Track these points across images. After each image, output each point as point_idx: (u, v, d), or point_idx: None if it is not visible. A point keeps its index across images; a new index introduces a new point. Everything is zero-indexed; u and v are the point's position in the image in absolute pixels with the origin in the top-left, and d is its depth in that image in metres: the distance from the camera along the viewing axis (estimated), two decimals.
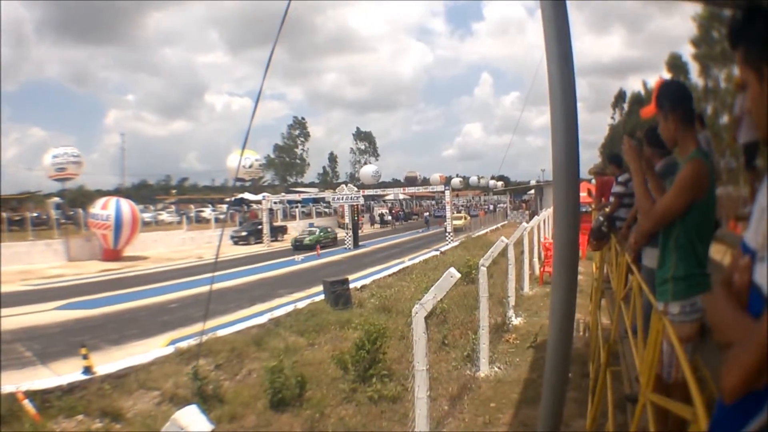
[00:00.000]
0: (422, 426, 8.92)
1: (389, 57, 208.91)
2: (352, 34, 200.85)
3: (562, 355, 4.14)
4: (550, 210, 35.60)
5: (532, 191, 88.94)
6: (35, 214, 57.48)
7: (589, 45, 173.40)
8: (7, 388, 13.01)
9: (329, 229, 59.24)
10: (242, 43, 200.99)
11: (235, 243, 56.95)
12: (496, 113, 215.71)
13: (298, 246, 51.50)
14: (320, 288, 23.60)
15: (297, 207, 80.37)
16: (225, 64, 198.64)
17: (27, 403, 12.46)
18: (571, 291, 4.13)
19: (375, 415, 12.48)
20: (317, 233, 55.10)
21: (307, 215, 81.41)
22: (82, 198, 73.01)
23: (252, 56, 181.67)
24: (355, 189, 59.14)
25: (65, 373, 15.21)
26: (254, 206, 73.24)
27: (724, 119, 44.25)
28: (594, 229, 8.49)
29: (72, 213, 60.05)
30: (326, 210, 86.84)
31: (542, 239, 28.55)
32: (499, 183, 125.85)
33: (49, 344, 19.80)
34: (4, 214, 51.84)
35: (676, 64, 62.33)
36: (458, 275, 9.11)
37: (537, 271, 25.79)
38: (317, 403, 13.03)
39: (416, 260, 36.11)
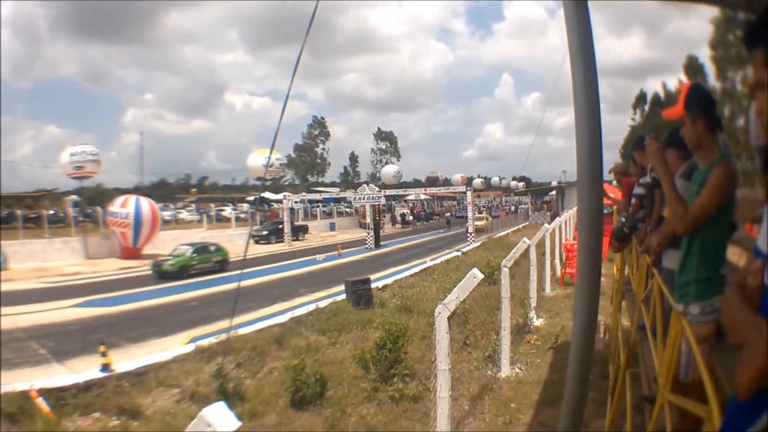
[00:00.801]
0: (443, 425, 8.89)
1: (410, 57, 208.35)
2: (373, 34, 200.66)
3: (584, 356, 4.17)
4: (572, 211, 35.52)
5: (554, 192, 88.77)
6: (52, 212, 58.08)
7: (609, 46, 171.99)
8: (20, 386, 13.03)
9: (212, 248, 41.24)
10: (262, 42, 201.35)
11: (256, 242, 56.88)
12: (516, 114, 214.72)
13: (157, 272, 36.54)
14: (341, 287, 23.65)
15: (318, 206, 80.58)
16: (245, 64, 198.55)
17: (40, 401, 12.49)
18: (594, 293, 4.15)
19: (396, 414, 12.43)
20: (188, 254, 38.57)
21: (329, 215, 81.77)
22: (100, 196, 73.64)
23: (272, 56, 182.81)
24: (377, 189, 59.21)
25: (82, 370, 15.30)
26: (275, 205, 73.44)
27: (741, 122, 44.19)
28: (616, 230, 8.51)
29: (90, 211, 60.41)
30: (347, 210, 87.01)
31: (563, 240, 28.47)
32: (521, 184, 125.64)
33: (65, 342, 20.03)
34: (18, 212, 52.48)
35: (693, 66, 62.21)
36: (481, 276, 9.04)
37: (558, 273, 25.74)
38: (338, 401, 13.02)
39: (438, 260, 36.02)
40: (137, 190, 69.11)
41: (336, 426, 12.20)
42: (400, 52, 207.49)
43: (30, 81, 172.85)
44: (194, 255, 38.57)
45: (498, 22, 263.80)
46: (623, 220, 8.42)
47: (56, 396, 12.93)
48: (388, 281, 27.88)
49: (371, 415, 12.45)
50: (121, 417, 12.83)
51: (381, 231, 59.20)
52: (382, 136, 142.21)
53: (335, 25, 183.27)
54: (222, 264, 39.80)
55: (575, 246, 24.43)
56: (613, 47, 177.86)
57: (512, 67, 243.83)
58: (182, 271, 36.64)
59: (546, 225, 23.69)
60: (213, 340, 16.87)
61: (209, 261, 39.41)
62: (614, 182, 12.93)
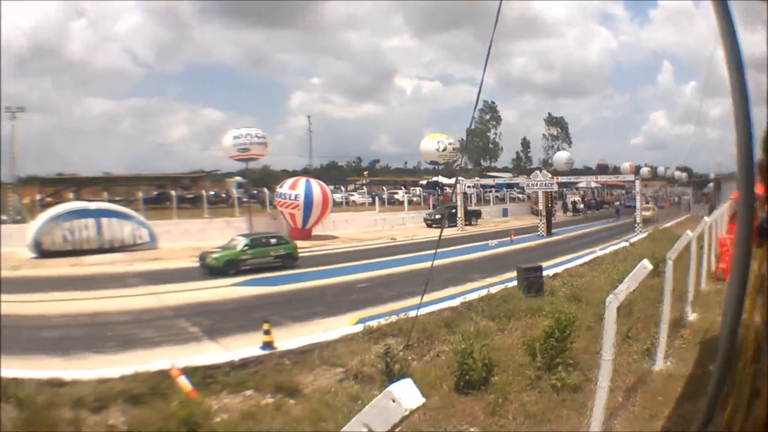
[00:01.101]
0: (598, 416, 8.99)
1: (575, 42, 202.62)
2: (538, 18, 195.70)
3: (729, 353, 4.58)
4: (725, 205, 34.93)
5: (712, 184, 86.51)
6: (212, 193, 59.61)
7: (745, 39, 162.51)
8: (159, 365, 13.48)
9: (273, 240, 35.54)
10: (428, 27, 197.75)
11: (429, 225, 57.36)
12: (678, 102, 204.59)
13: (203, 265, 32.31)
14: (513, 274, 24.09)
15: (491, 192, 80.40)
16: (412, 48, 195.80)
17: (182, 379, 12.76)
18: (741, 290, 4.56)
19: (556, 403, 12.49)
20: (238, 248, 33.08)
21: (501, 200, 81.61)
22: (266, 178, 74.32)
23: (439, 40, 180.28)
24: (549, 175, 58.86)
25: (238, 348, 16.04)
26: (448, 190, 73.73)
27: None
28: (759, 225, 9.12)
29: (255, 192, 61.19)
30: (519, 195, 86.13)
31: (718, 234, 28.31)
32: (684, 174, 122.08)
33: (220, 320, 20.95)
34: (172, 192, 53.44)
35: None
36: (651, 267, 9.13)
37: (713, 267, 25.65)
38: (502, 388, 13.19)
39: (607, 251, 35.93)
40: (306, 173, 69.91)
41: (496, 412, 12.33)
42: (565, 36, 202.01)
43: (179, 65, 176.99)
44: (245, 249, 33.08)
45: (653, 8, 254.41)
46: (764, 216, 9.08)
47: (203, 374, 13.49)
48: (559, 269, 28.20)
49: (532, 403, 12.55)
50: (276, 395, 13.21)
51: (553, 218, 58.92)
52: (552, 121, 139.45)
53: (502, 10, 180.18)
54: (286, 259, 34.56)
55: (727, 241, 24.38)
56: (746, 40, 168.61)
57: (670, 54, 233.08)
58: (229, 266, 31.86)
59: (705, 218, 23.73)
60: (383, 321, 17.48)
61: (267, 255, 33.89)
62: (758, 177, 13.20)
